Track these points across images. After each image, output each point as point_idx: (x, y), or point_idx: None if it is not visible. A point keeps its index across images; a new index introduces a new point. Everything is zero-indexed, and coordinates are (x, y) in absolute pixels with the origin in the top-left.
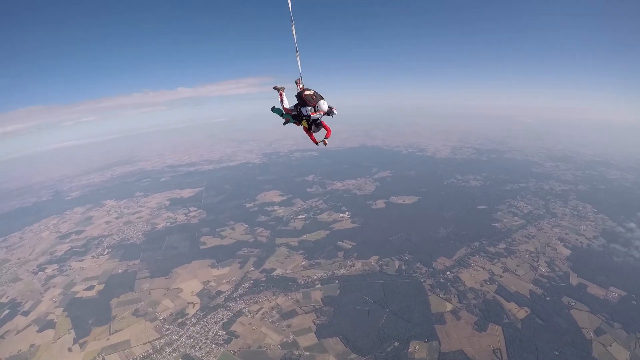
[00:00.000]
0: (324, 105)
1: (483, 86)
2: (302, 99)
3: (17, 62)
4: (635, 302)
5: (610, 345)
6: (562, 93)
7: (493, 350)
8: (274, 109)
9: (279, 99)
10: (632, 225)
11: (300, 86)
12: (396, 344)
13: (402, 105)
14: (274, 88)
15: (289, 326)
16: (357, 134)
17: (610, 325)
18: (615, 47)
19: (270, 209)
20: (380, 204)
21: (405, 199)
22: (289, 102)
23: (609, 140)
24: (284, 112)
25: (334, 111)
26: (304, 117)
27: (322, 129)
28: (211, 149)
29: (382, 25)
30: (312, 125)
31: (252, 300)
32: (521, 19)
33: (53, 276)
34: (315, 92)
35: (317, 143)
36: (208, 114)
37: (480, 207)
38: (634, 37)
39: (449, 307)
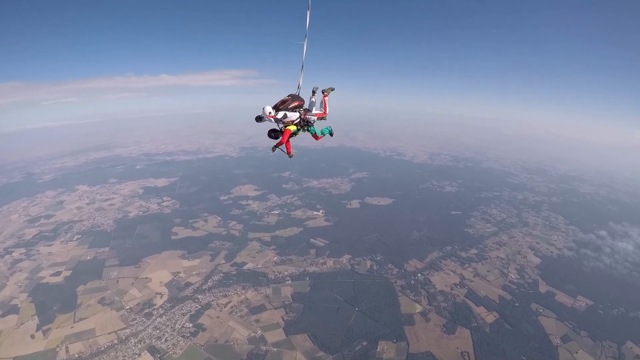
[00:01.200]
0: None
1: (463, 95)
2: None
3: None
4: (602, 312)
5: (577, 353)
6: (542, 107)
7: (461, 353)
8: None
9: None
10: (603, 232)
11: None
12: (364, 343)
13: (382, 108)
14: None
15: (257, 321)
16: (336, 134)
17: (577, 333)
18: (600, 69)
19: (244, 202)
20: (355, 204)
21: (380, 200)
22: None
23: (584, 158)
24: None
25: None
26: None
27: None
28: (189, 140)
29: (368, 27)
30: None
31: (221, 294)
32: (509, 32)
33: (20, 260)
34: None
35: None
36: (189, 104)
37: (454, 212)
38: (618, 60)
39: (419, 308)
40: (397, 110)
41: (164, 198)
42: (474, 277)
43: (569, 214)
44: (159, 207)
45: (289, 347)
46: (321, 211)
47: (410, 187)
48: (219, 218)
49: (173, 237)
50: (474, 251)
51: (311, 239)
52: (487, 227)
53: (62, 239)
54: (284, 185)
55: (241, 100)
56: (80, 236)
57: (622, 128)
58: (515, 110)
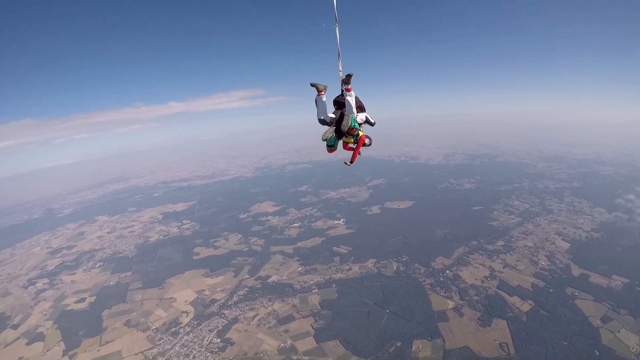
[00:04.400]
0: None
1: (470, 92)
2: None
3: (6, 71)
4: (639, 288)
5: (619, 332)
6: (549, 95)
7: (500, 344)
8: (327, 139)
9: (322, 107)
10: (631, 196)
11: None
12: (398, 344)
13: (390, 116)
14: (312, 85)
15: (286, 331)
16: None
17: (616, 312)
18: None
19: (264, 219)
20: (375, 209)
21: (400, 204)
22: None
23: (599, 140)
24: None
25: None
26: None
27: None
28: (204, 165)
29: (369, 33)
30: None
31: (247, 307)
32: (507, 23)
33: (43, 290)
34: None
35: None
36: (200, 132)
37: (475, 207)
38: (620, 39)
39: (451, 304)
40: (402, 116)
41: (184, 221)
42: (503, 268)
43: (592, 197)
44: (179, 230)
45: (321, 354)
46: (342, 220)
47: (428, 188)
48: (239, 235)
49: (195, 257)
50: (500, 243)
51: (334, 247)
52: (511, 219)
53: (85, 267)
54: (302, 199)
55: (251, 123)
56: (102, 263)
57: (634, 104)
58: (522, 102)
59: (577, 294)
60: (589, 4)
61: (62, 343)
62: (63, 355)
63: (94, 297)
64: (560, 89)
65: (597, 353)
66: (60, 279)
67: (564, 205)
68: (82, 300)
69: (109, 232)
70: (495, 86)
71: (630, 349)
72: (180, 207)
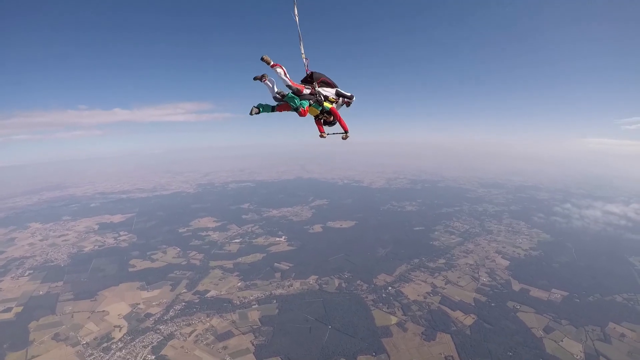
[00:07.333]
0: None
1: (414, 120)
2: (325, 82)
3: None
4: (578, 300)
5: (562, 341)
6: (491, 127)
7: (445, 357)
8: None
9: (281, 74)
10: (568, 205)
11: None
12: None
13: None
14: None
15: (225, 348)
16: (293, 168)
17: (558, 322)
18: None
19: (204, 234)
20: (317, 228)
21: (343, 223)
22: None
23: (537, 169)
24: (280, 96)
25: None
26: (321, 101)
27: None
28: (145, 178)
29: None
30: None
31: (184, 323)
32: (453, 56)
33: None
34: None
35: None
36: (144, 145)
37: (417, 228)
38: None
39: (394, 320)
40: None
41: (121, 233)
42: (445, 284)
43: (529, 219)
44: (115, 241)
45: None
46: (283, 237)
47: (371, 209)
48: (178, 249)
49: (131, 270)
50: (442, 261)
51: (275, 263)
52: (452, 239)
53: (13, 274)
54: (243, 216)
55: (196, 140)
56: (32, 271)
57: (571, 139)
58: (463, 131)
59: (518, 307)
60: (534, 38)
61: None
62: None
63: (21, 307)
64: (505, 121)
65: None
66: None
67: (502, 226)
68: (9, 310)
69: (41, 240)
70: (442, 114)
71: (575, 356)
72: (117, 218)
